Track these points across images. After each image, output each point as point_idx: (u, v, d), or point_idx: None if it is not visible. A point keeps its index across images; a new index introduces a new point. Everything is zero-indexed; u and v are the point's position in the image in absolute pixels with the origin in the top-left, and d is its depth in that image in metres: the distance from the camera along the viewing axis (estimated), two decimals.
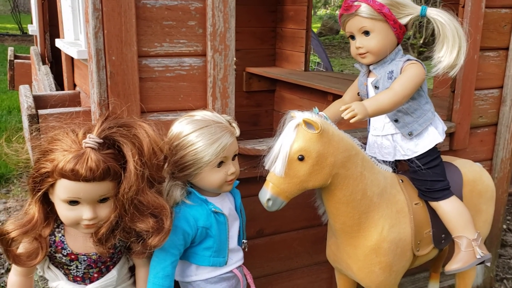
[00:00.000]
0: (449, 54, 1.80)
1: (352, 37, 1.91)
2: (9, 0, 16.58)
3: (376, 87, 1.92)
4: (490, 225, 2.21)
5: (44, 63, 3.57)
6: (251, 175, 1.97)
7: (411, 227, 1.94)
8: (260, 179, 1.80)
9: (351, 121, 1.73)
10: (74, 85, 2.66)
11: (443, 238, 2.04)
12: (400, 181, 1.98)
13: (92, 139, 1.41)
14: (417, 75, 1.82)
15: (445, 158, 2.13)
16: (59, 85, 3.05)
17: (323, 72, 5.39)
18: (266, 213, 1.79)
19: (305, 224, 2.29)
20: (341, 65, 11.40)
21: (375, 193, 1.84)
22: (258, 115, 4.63)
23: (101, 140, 1.42)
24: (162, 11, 1.75)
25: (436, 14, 1.82)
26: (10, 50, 4.31)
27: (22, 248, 1.53)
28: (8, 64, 4.26)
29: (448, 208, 1.95)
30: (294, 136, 1.67)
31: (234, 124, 1.72)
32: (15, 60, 4.27)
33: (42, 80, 2.93)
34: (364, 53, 1.88)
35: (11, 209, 3.56)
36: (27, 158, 1.51)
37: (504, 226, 3.66)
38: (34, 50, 3.92)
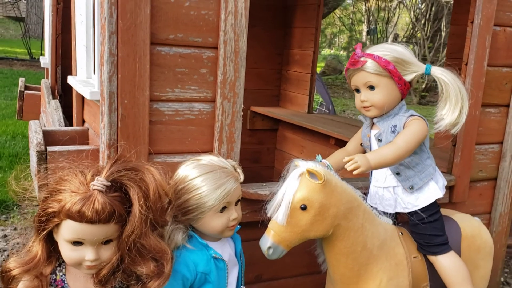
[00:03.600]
0: (451, 112, 1.85)
1: (357, 90, 1.95)
2: (20, 26, 16.90)
3: (379, 140, 1.96)
4: (488, 280, 2.21)
5: (53, 96, 3.63)
6: (252, 220, 1.98)
7: (409, 280, 1.94)
8: (261, 225, 1.82)
9: (354, 172, 1.76)
10: (83, 121, 2.71)
11: None
12: (400, 233, 2.00)
13: (100, 182, 1.43)
14: (420, 130, 1.86)
15: (444, 211, 2.15)
16: (67, 117, 3.10)
17: (325, 115, 5.45)
18: (265, 259, 1.79)
19: (304, 271, 2.29)
20: (343, 105, 11.49)
21: (375, 245, 1.85)
22: (260, 152, 4.66)
23: (109, 183, 1.45)
24: (175, 58, 1.81)
25: (440, 74, 1.87)
26: (21, 81, 4.38)
27: (22, 285, 1.52)
28: (18, 95, 4.33)
29: (446, 263, 1.96)
30: (298, 185, 1.70)
31: (239, 170, 1.74)
32: (25, 91, 4.35)
33: (51, 114, 2.98)
34: (369, 107, 1.93)
35: (9, 237, 3.55)
36: (33, 196, 1.54)
37: (502, 279, 3.64)
38: (45, 84, 3.99)
